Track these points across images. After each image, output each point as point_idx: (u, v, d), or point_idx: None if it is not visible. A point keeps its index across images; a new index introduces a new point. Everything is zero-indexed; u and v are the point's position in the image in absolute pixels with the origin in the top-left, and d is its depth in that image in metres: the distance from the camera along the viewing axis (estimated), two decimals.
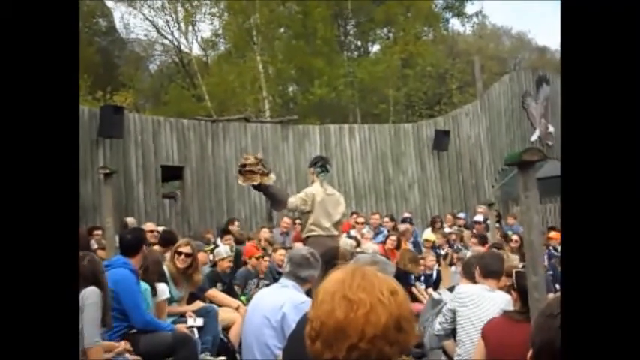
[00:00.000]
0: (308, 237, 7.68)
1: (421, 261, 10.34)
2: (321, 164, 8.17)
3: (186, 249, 7.27)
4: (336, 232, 7.82)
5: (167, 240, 8.61)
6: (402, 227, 12.53)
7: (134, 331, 5.83)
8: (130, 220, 10.36)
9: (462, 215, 15.01)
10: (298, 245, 6.77)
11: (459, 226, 13.77)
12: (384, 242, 11.08)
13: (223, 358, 6.78)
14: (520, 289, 4.60)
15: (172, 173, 13.98)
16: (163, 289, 6.63)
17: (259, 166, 7.57)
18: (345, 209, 8.13)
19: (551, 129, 18.93)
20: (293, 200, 7.87)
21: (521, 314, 4.39)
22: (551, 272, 9.97)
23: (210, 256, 8.68)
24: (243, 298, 8.31)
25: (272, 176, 7.74)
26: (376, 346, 2.10)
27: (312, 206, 7.82)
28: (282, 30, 28.17)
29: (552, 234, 13.31)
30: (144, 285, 6.43)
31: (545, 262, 9.80)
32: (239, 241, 10.74)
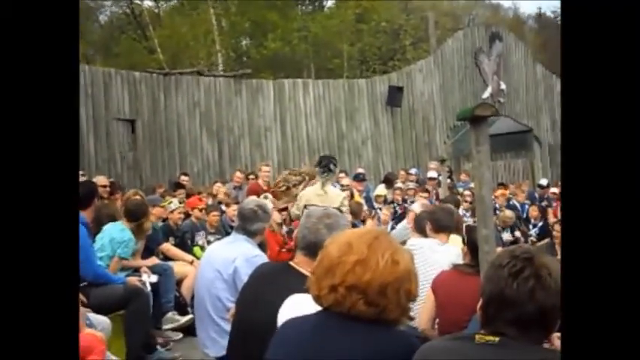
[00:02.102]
0: None
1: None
2: (323, 164, 8.12)
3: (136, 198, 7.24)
4: None
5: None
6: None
7: (85, 283, 5.78)
8: None
9: (413, 171, 15.12)
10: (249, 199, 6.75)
11: (412, 182, 13.87)
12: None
13: (191, 316, 6.77)
14: (470, 243, 4.66)
15: (124, 126, 13.78)
16: None
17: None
18: (339, 205, 7.68)
19: (503, 86, 19.09)
20: (293, 210, 8.06)
21: (471, 267, 4.45)
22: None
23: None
24: (196, 249, 8.32)
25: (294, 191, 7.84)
26: (352, 297, 2.13)
27: (299, 210, 7.88)
28: None
29: (499, 192, 13.52)
30: (128, 235, 6.47)
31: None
32: (190, 196, 10.71)
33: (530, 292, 1.94)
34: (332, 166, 8.16)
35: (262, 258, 4.47)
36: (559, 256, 6.31)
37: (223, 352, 4.07)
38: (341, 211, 7.64)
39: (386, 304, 2.15)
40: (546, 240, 10.33)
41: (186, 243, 8.32)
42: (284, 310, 2.66)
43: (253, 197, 6.68)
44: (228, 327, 3.85)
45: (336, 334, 2.17)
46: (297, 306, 2.58)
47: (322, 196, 7.88)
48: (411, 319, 2.53)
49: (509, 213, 11.36)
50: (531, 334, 1.97)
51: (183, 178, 12.30)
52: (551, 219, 12.04)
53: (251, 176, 12.40)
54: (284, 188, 8.08)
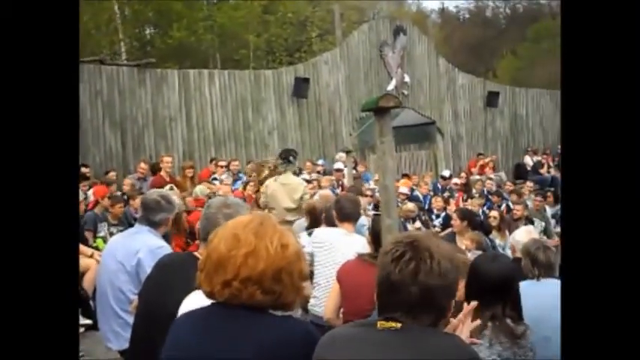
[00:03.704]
0: None
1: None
2: (283, 156, 9.12)
3: None
4: (290, 218, 8.40)
5: None
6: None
7: None
8: None
9: (320, 162, 15.22)
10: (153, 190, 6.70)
11: (318, 173, 13.95)
12: (244, 188, 11.12)
13: (88, 322, 6.66)
14: (373, 233, 4.72)
15: None
16: None
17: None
18: (302, 194, 8.70)
19: (407, 78, 19.37)
20: (261, 199, 9.10)
21: (374, 257, 4.50)
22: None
23: None
24: (99, 241, 8.15)
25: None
26: (248, 289, 2.13)
27: (267, 198, 8.88)
28: None
29: (402, 181, 13.79)
30: None
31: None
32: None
33: (412, 274, 2.00)
34: (291, 158, 9.07)
35: (166, 249, 4.40)
36: (459, 245, 6.37)
37: (126, 345, 4.00)
38: (302, 200, 8.55)
39: (282, 289, 2.17)
40: (449, 230, 10.56)
41: (85, 237, 8.15)
42: (186, 305, 2.64)
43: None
44: (131, 320, 3.79)
45: (231, 325, 2.17)
46: (200, 302, 2.56)
47: (287, 186, 8.74)
48: (307, 298, 2.55)
49: (411, 206, 11.56)
50: (421, 318, 2.02)
51: (83, 169, 12.00)
52: (453, 209, 12.33)
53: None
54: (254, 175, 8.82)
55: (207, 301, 2.43)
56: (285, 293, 2.18)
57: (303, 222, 7.62)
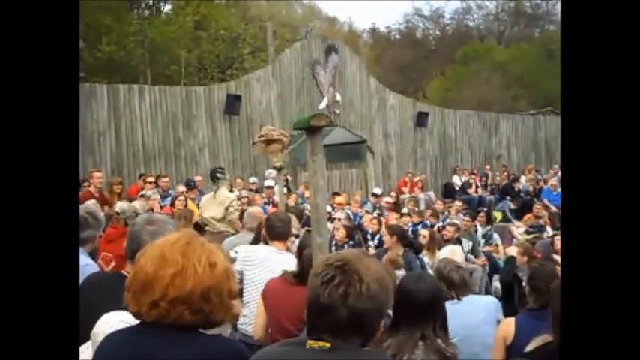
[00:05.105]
0: None
1: None
2: (211, 175, 10.08)
3: None
4: (218, 229, 9.23)
5: None
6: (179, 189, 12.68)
7: None
8: None
9: (253, 179, 15.19)
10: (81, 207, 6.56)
11: (251, 190, 13.93)
12: (172, 204, 11.01)
13: None
14: (298, 249, 4.72)
15: None
16: None
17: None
18: (227, 205, 9.42)
19: (338, 97, 19.50)
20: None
21: (295, 277, 4.49)
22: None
23: None
24: None
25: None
26: (176, 309, 2.10)
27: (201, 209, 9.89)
28: None
29: (337, 199, 13.88)
30: None
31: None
32: None
33: (342, 298, 2.01)
34: (219, 175, 9.80)
35: (93, 267, 4.31)
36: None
37: None
38: (228, 211, 9.32)
39: (211, 308, 2.15)
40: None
41: None
42: (98, 328, 2.62)
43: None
44: None
45: (159, 345, 2.13)
46: (112, 323, 2.54)
47: (215, 199, 9.52)
48: (236, 316, 2.55)
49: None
50: (351, 339, 2.03)
51: None
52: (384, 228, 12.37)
53: (85, 184, 11.97)
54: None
55: (124, 320, 2.41)
56: (215, 312, 2.17)
57: (233, 239, 7.58)
